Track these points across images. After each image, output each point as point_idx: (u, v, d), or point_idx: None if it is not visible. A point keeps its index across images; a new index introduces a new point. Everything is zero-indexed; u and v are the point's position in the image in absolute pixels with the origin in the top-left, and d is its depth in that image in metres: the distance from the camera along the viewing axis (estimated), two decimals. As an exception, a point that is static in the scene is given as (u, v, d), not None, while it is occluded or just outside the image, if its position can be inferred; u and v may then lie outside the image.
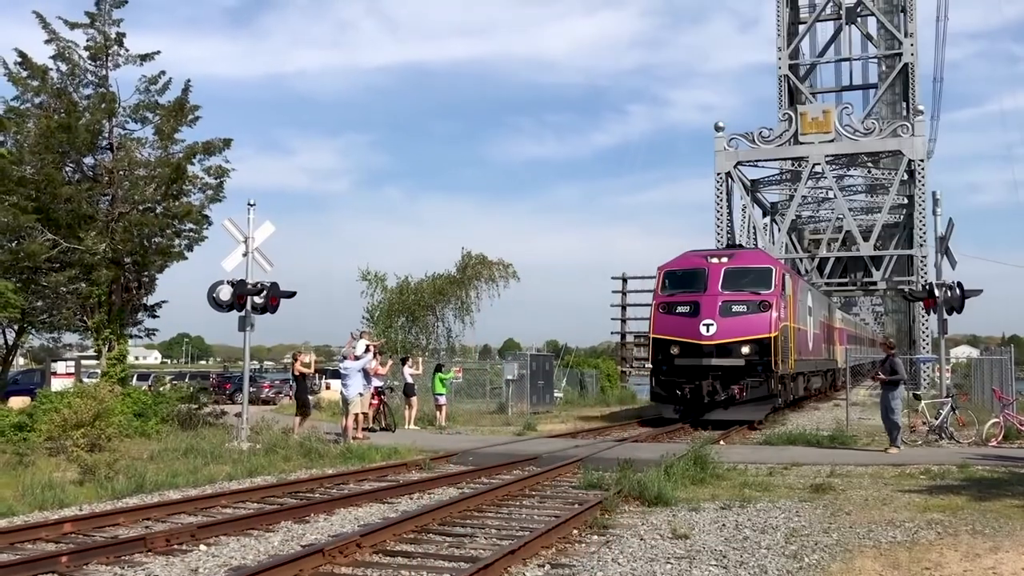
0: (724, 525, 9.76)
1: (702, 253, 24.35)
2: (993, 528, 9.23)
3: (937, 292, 17.50)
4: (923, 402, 18.05)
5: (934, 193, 17.96)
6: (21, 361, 53.08)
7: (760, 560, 7.96)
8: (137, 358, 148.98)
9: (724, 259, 23.47)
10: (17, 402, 21.71)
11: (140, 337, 22.76)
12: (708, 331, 21.82)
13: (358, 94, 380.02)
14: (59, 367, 31.43)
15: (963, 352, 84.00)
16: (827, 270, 51.37)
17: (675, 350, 22.42)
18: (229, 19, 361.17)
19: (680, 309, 22.73)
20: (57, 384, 23.94)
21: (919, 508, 10.48)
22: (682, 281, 23.58)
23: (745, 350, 21.72)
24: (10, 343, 22.16)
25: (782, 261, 30.27)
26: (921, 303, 22.44)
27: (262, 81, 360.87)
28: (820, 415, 26.82)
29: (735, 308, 22.21)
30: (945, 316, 18.36)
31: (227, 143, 21.30)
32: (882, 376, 16.53)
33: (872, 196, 54.81)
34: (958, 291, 17.59)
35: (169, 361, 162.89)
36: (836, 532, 9.18)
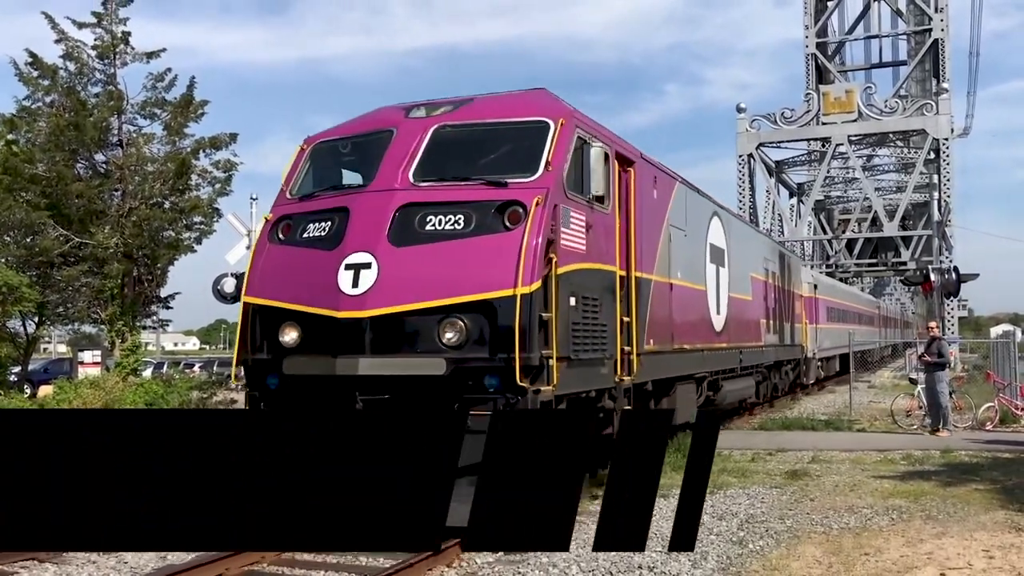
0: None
1: (405, 106, 10.40)
2: (947, 514, 9.33)
3: (933, 276, 17.48)
4: (919, 386, 18.02)
5: (933, 177, 17.86)
6: (62, 348, 54.40)
7: (705, 546, 8.14)
8: (176, 344, 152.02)
9: (441, 110, 10.00)
10: (46, 390, 22.41)
11: (154, 328, 23.34)
12: (356, 285, 8.64)
13: (391, 77, 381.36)
14: (86, 356, 32.29)
15: (1002, 331, 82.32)
16: (856, 251, 51.11)
17: (288, 336, 9.14)
18: (262, 7, 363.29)
19: (311, 231, 9.42)
20: (84, 373, 24.68)
21: (884, 494, 10.59)
22: (343, 164, 10.51)
23: (449, 335, 8.54)
24: (30, 335, 22.83)
25: (631, 143, 11.86)
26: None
27: (296, 67, 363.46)
28: (834, 398, 26.67)
29: (434, 222, 8.92)
30: (946, 299, 18.29)
31: (233, 137, 21.81)
32: (928, 359, 16.70)
33: (903, 175, 54.13)
34: (954, 275, 17.56)
35: (207, 347, 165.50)
36: (791, 519, 9.32)
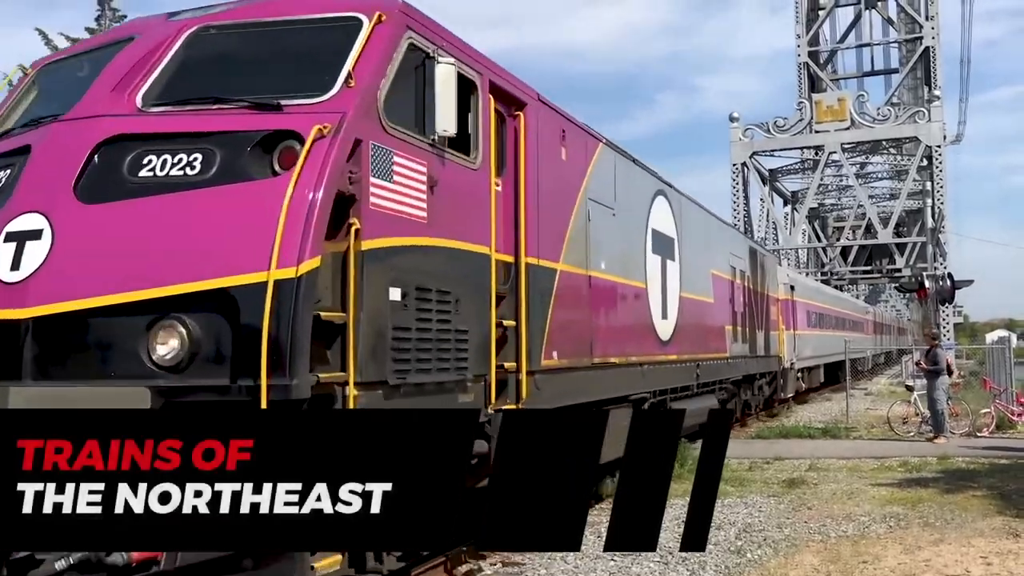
0: (683, 522, 9.86)
1: (177, 11, 6.88)
2: (944, 520, 9.35)
3: (928, 283, 17.56)
4: (915, 393, 18.09)
5: (926, 184, 17.93)
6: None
7: (703, 556, 8.09)
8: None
9: (216, 10, 6.69)
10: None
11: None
12: (16, 266, 5.24)
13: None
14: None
15: (998, 337, 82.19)
16: (851, 258, 51.19)
17: None
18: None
19: None
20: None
21: (882, 501, 10.59)
22: (77, 92, 6.14)
23: (164, 349, 5.16)
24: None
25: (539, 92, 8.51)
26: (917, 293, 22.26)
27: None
28: (830, 406, 26.64)
29: (155, 165, 5.52)
30: (941, 306, 18.38)
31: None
32: (924, 366, 16.84)
33: (897, 182, 54.26)
34: (948, 282, 17.65)
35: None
36: (789, 527, 9.33)
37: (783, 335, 22.24)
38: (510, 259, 7.76)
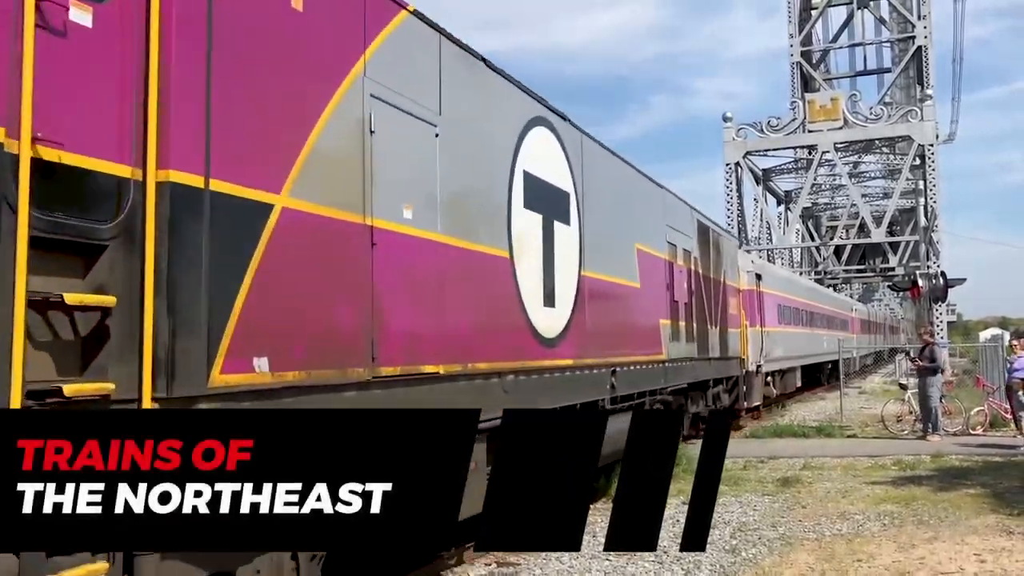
0: (679, 521, 9.85)
1: None
2: (939, 518, 9.39)
3: (921, 282, 17.63)
4: (908, 391, 18.14)
5: (919, 183, 17.96)
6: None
7: (698, 556, 8.12)
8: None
9: None
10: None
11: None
12: None
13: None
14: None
15: (991, 335, 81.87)
16: (844, 257, 51.33)
17: None
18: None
19: None
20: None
21: (876, 500, 10.63)
22: None
23: None
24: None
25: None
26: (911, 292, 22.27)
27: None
28: (824, 404, 26.72)
29: None
30: (934, 304, 18.44)
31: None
32: (920, 363, 16.90)
33: (890, 181, 54.42)
34: (941, 280, 17.72)
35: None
36: (784, 526, 9.36)
37: (747, 332, 18.70)
38: (125, 171, 4.05)
